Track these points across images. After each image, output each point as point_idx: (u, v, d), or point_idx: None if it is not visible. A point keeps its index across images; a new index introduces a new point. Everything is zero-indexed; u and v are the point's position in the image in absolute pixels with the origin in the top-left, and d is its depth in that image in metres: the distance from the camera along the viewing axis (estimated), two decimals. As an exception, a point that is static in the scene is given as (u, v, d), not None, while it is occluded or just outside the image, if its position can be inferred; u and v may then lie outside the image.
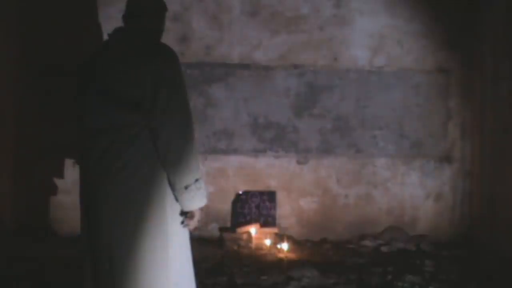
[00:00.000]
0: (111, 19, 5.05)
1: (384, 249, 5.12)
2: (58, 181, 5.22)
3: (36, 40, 5.22)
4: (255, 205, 5.41)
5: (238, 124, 5.52)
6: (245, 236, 5.11)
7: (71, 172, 5.14)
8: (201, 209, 2.48)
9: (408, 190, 5.57)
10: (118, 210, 2.35)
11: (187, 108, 2.40)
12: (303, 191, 5.53)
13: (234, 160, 5.52)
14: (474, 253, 5.01)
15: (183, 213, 2.44)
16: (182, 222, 2.45)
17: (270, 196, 5.44)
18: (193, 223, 2.47)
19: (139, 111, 2.31)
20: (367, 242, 5.26)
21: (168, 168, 2.33)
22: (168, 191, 2.39)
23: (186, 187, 2.35)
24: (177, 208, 2.44)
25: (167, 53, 2.42)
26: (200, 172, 2.41)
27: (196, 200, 2.40)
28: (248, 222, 5.32)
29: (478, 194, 5.39)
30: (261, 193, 5.44)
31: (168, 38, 5.54)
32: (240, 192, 5.45)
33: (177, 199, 2.40)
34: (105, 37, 2.58)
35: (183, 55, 5.49)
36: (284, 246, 4.98)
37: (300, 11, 5.52)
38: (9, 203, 5.06)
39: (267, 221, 5.37)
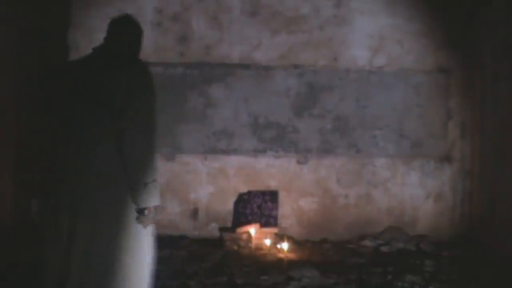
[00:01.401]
0: (110, 19, 5.04)
1: (384, 249, 5.12)
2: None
3: (36, 40, 5.22)
4: (257, 206, 5.41)
5: (238, 124, 5.52)
6: (245, 236, 5.11)
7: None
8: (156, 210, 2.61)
9: (408, 190, 5.57)
10: (97, 215, 2.49)
11: (155, 117, 2.58)
12: (303, 191, 5.53)
13: (234, 160, 5.52)
14: (474, 253, 5.01)
15: (140, 210, 2.57)
16: (137, 218, 2.58)
17: (272, 196, 5.43)
18: (148, 220, 2.59)
19: (115, 113, 2.49)
20: (367, 242, 5.26)
21: (131, 166, 2.50)
22: None
23: (145, 184, 2.52)
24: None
25: (144, 64, 2.67)
26: (157, 175, 2.58)
27: (153, 197, 2.56)
28: (250, 222, 5.31)
29: (478, 194, 5.39)
30: (263, 193, 5.44)
31: (168, 38, 5.59)
32: (245, 191, 5.46)
33: (133, 199, 2.54)
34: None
35: (183, 55, 5.50)
36: (284, 246, 4.97)
37: (300, 11, 5.52)
38: (9, 203, 5.06)
39: (268, 222, 5.36)
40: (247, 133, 5.53)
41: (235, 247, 5.05)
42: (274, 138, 5.54)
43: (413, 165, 5.58)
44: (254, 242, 5.10)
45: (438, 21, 5.55)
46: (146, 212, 2.56)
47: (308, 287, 4.07)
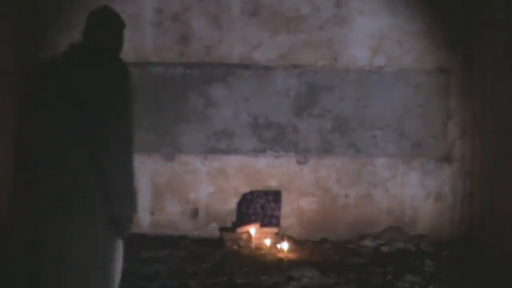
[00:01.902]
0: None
1: (384, 249, 5.11)
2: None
3: (36, 39, 5.23)
4: (260, 206, 5.40)
5: (238, 124, 5.52)
6: (245, 236, 5.11)
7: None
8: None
9: (408, 190, 5.57)
10: (68, 224, 2.34)
11: (133, 121, 2.41)
12: (303, 191, 5.53)
13: (234, 160, 5.52)
14: (474, 253, 5.01)
15: (117, 221, 2.41)
16: (117, 231, 2.43)
17: (275, 196, 5.42)
18: (127, 231, 2.45)
19: (91, 116, 2.34)
20: (367, 242, 5.25)
21: (108, 172, 2.33)
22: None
23: (130, 190, 2.38)
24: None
25: (124, 65, 2.47)
26: (135, 182, 2.43)
27: (135, 206, 2.42)
28: (252, 222, 5.30)
29: (478, 194, 5.39)
30: (266, 194, 5.43)
31: (168, 38, 5.59)
32: (245, 191, 5.46)
33: (111, 208, 2.38)
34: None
35: (183, 55, 5.50)
36: (284, 246, 4.97)
37: (300, 11, 5.52)
38: (9, 203, 5.06)
39: (270, 222, 5.35)
40: (247, 133, 5.53)
41: (235, 247, 5.05)
42: (274, 138, 5.54)
43: (413, 165, 5.58)
44: (254, 242, 5.10)
45: (438, 21, 5.55)
46: (124, 223, 2.41)
47: (308, 287, 4.07)
